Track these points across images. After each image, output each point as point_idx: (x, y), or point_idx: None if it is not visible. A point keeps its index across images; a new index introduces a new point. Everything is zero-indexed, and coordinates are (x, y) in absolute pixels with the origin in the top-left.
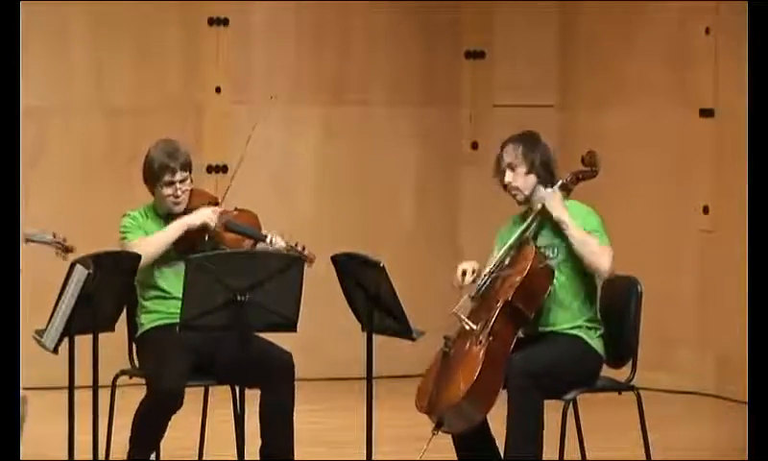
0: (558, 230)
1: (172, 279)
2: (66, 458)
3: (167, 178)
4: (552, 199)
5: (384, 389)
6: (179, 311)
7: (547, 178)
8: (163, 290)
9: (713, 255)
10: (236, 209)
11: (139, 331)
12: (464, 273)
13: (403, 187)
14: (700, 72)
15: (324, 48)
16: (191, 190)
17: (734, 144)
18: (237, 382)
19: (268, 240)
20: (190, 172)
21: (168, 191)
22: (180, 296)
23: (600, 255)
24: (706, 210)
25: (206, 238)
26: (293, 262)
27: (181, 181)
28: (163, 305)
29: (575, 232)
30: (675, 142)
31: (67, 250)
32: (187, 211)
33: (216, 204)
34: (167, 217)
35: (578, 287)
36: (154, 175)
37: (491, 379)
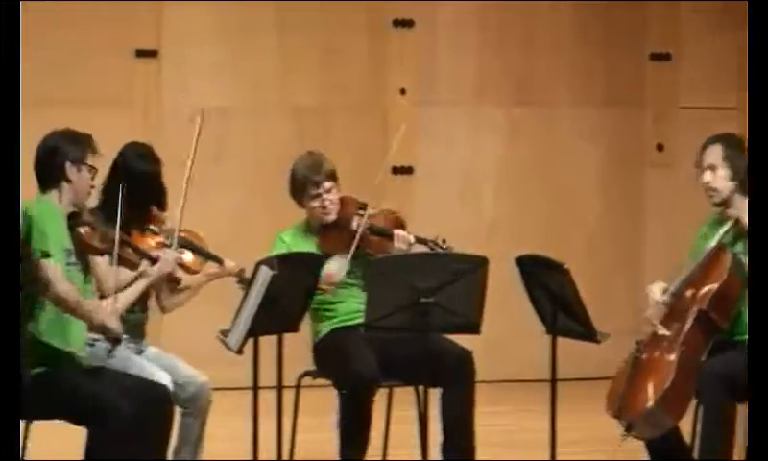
0: None
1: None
2: (251, 458)
3: (313, 191)
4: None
5: (567, 392)
6: (351, 313)
7: (746, 185)
8: (329, 300)
9: None
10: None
11: (317, 337)
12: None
13: (587, 188)
14: None
15: (509, 49)
16: (341, 198)
17: None
18: (419, 383)
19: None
20: (336, 181)
21: (315, 203)
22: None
23: None
24: None
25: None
26: (478, 264)
27: (327, 192)
28: (334, 310)
29: None
30: None
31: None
32: (339, 220)
33: (365, 208)
34: (319, 230)
35: None
36: (299, 189)
37: (682, 387)
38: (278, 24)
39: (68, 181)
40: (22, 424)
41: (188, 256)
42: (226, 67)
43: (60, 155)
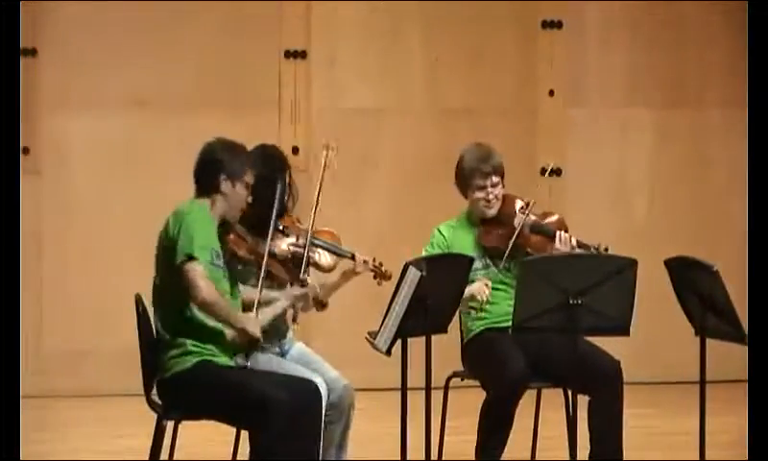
0: None
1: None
2: (399, 459)
3: (479, 182)
4: None
5: (714, 393)
6: (502, 316)
7: None
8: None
9: None
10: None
11: (468, 336)
12: None
13: (738, 191)
14: None
15: (658, 49)
16: (504, 196)
17: None
18: (567, 384)
19: None
20: (503, 177)
21: (479, 195)
22: (499, 301)
23: None
24: None
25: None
26: (628, 265)
27: (493, 186)
28: (486, 312)
29: None
30: None
31: (384, 276)
32: (501, 216)
33: (528, 206)
34: (480, 223)
35: None
36: (465, 179)
37: None
38: (426, 25)
39: (222, 194)
40: (170, 424)
41: (322, 257)
42: (373, 69)
43: (218, 168)
